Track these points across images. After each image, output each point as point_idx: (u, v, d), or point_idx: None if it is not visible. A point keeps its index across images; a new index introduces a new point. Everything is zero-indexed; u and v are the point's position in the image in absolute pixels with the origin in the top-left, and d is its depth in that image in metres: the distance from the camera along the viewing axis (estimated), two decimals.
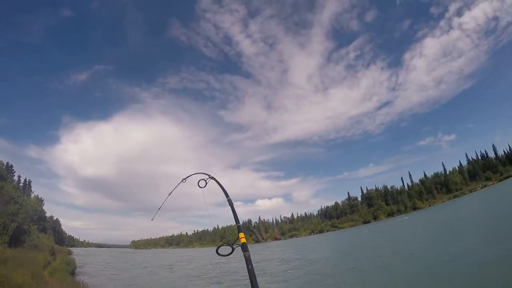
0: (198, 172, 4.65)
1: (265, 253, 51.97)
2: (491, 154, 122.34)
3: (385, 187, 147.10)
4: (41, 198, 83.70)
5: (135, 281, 29.76)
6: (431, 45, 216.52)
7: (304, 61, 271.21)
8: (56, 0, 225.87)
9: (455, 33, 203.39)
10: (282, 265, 32.22)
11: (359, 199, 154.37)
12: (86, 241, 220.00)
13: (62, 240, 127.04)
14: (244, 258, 2.52)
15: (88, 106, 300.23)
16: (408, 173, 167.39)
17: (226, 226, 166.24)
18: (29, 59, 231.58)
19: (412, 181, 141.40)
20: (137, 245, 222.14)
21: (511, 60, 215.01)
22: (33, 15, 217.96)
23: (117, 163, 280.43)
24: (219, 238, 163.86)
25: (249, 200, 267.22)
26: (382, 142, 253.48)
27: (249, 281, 2.26)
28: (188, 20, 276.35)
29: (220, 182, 4.33)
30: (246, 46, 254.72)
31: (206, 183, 4.29)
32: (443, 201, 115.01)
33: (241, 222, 3.28)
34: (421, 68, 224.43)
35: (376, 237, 51.86)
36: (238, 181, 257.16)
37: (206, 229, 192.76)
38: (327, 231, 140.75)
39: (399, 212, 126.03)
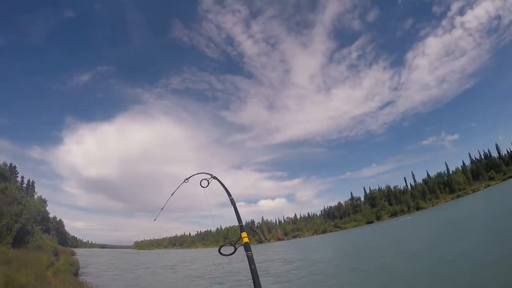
0: (200, 172, 4.63)
1: (268, 254, 51.93)
2: (494, 154, 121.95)
3: (388, 187, 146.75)
4: (44, 199, 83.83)
5: (138, 282, 29.81)
6: (433, 44, 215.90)
7: (306, 61, 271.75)
8: (58, 1, 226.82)
9: (457, 32, 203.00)
10: (284, 265, 32.20)
11: (362, 199, 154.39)
12: (89, 241, 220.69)
13: (65, 240, 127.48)
14: (246, 258, 2.51)
15: (90, 107, 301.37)
16: (411, 173, 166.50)
17: (229, 226, 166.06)
18: (31, 59, 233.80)
19: (415, 181, 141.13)
20: (140, 245, 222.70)
21: None
22: (35, 16, 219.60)
23: (120, 164, 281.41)
24: (222, 238, 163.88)
25: (252, 201, 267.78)
26: (384, 142, 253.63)
27: (251, 281, 2.25)
28: (190, 21, 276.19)
29: (223, 182, 4.34)
30: (248, 47, 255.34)
31: (209, 183, 4.27)
32: (446, 201, 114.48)
33: (244, 223, 3.26)
34: (424, 67, 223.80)
35: (379, 237, 51.71)
36: (241, 182, 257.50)
37: (209, 230, 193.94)
38: (330, 232, 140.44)
39: (402, 212, 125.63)
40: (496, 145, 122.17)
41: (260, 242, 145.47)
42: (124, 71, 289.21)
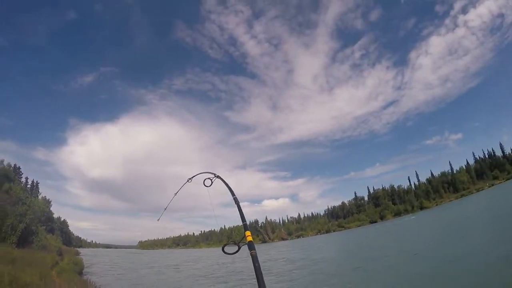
0: (203, 171, 4.63)
1: (271, 253, 51.97)
2: (498, 153, 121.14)
3: (392, 187, 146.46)
4: (48, 200, 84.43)
5: (142, 281, 29.94)
6: (436, 43, 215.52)
7: (309, 61, 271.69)
8: (60, 3, 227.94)
9: (460, 31, 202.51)
10: (287, 264, 32.24)
11: (366, 199, 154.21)
12: (94, 241, 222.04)
13: (70, 241, 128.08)
14: (250, 256, 2.52)
15: (94, 108, 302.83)
16: (415, 173, 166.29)
17: (233, 226, 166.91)
18: (35, 61, 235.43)
19: (419, 180, 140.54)
20: (144, 245, 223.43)
21: None
22: (38, 17, 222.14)
23: (123, 165, 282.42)
24: (225, 238, 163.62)
25: (256, 201, 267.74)
26: (388, 142, 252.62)
27: (255, 279, 2.26)
28: (193, 22, 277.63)
29: (226, 182, 4.33)
30: (251, 47, 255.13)
31: (212, 182, 4.26)
32: (451, 200, 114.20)
33: (247, 223, 3.27)
34: (427, 66, 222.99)
35: (383, 237, 51.63)
36: (245, 182, 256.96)
37: (212, 230, 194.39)
38: (334, 231, 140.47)
39: (406, 211, 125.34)
40: (500, 144, 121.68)
41: (264, 241, 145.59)
42: (127, 72, 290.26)
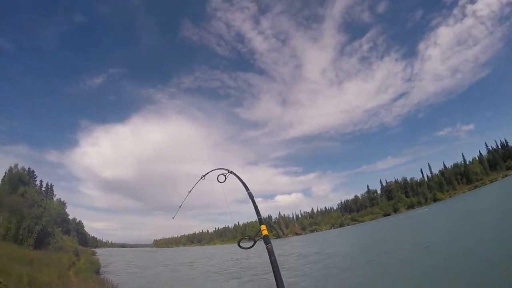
0: (217, 168, 4.59)
1: (285, 248, 52.00)
2: (511, 143, 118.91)
3: (405, 179, 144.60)
4: (63, 201, 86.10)
5: (157, 278, 30.31)
6: (445, 33, 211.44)
7: (317, 55, 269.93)
8: (68, 6, 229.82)
9: (469, 21, 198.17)
10: (301, 259, 32.24)
11: (379, 192, 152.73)
12: (109, 241, 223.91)
13: (86, 241, 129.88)
14: (266, 250, 2.49)
15: (104, 109, 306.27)
16: (427, 165, 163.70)
17: (247, 222, 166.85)
18: (44, 65, 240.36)
19: (431, 172, 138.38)
20: (159, 244, 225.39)
21: None
22: (47, 21, 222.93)
23: (135, 164, 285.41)
24: (239, 234, 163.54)
25: (269, 196, 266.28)
26: (399, 134, 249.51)
27: (268, 274, 2.23)
28: (200, 20, 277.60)
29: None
30: (259, 43, 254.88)
31: (226, 178, 4.24)
32: (464, 192, 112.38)
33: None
34: (436, 57, 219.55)
35: (396, 229, 51.22)
36: (257, 178, 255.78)
37: (226, 226, 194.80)
38: (347, 225, 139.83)
39: (420, 204, 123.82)
40: None
41: (278, 237, 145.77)
42: (136, 73, 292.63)
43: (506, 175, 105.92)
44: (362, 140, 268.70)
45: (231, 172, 4.32)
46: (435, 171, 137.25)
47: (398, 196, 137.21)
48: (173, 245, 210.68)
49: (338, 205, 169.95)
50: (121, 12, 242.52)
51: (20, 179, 53.39)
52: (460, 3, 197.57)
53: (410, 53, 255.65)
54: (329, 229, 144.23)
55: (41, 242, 32.78)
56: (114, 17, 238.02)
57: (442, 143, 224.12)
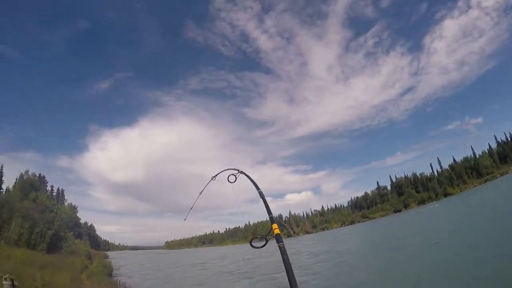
0: (227, 168, 4.58)
1: (296, 247, 51.95)
2: None
3: (414, 175, 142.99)
4: (74, 206, 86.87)
5: (169, 280, 30.47)
6: (450, 26, 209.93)
7: (322, 52, 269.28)
8: (73, 13, 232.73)
9: (474, 13, 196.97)
10: (312, 257, 32.15)
11: (389, 188, 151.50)
12: (121, 244, 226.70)
13: (98, 244, 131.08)
14: (278, 249, 2.48)
15: (112, 113, 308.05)
16: (437, 159, 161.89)
17: (258, 222, 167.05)
18: (52, 71, 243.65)
19: (441, 167, 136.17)
20: (171, 245, 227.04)
21: None
22: (53, 29, 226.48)
23: (145, 167, 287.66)
24: (251, 234, 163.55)
25: (278, 195, 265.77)
26: (408, 129, 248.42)
27: (280, 274, 2.21)
28: (203, 21, 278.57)
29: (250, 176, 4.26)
30: (263, 42, 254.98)
31: (236, 178, 4.22)
32: (475, 186, 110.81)
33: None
34: (442, 50, 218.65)
35: (407, 226, 50.75)
36: (266, 177, 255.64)
37: (238, 227, 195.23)
38: (358, 222, 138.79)
39: (430, 199, 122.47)
40: None
41: (289, 236, 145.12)
42: (142, 76, 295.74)
43: None
44: (371, 136, 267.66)
45: (242, 172, 4.30)
46: (445, 165, 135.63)
47: (408, 192, 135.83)
48: (184, 247, 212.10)
49: (348, 202, 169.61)
50: (124, 16, 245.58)
51: (32, 185, 54.15)
52: None
53: (415, 47, 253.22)
54: (340, 227, 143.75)
55: (53, 246, 33.16)
56: (118, 21, 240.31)
57: (451, 137, 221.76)
